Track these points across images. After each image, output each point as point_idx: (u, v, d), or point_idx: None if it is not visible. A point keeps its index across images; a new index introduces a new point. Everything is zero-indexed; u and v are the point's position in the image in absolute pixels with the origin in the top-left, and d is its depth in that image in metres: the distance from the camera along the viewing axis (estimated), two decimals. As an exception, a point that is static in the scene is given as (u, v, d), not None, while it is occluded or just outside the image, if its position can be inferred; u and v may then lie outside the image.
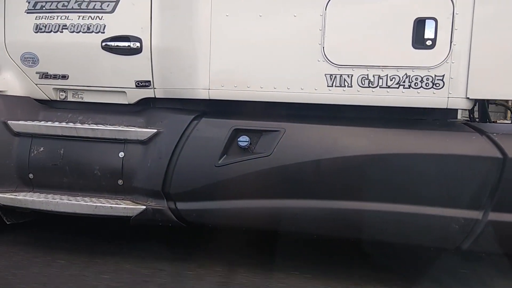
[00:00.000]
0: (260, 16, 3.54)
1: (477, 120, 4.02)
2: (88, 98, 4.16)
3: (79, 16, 3.95)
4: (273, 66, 3.57)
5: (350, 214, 3.44)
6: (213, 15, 3.61)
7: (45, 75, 4.12)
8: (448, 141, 3.35)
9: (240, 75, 3.63)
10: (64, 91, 4.19)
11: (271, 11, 3.52)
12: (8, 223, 4.14)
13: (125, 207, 3.77)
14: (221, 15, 3.60)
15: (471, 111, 3.97)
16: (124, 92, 4.03)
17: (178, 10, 3.74)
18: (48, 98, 4.21)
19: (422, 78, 3.33)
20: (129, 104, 4.07)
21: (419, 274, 3.85)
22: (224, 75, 3.65)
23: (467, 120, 4.04)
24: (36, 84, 4.16)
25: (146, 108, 4.06)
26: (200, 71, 3.69)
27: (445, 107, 3.35)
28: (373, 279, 3.77)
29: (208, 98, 3.70)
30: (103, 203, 3.79)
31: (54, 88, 4.16)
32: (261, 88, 3.59)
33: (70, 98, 4.19)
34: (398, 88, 3.37)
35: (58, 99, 4.21)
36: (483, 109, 3.93)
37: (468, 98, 3.32)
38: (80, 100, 4.18)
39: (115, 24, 3.89)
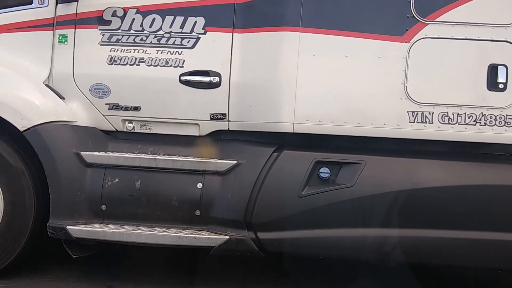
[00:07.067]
0: (346, 56, 3.82)
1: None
2: (156, 129, 4.21)
3: (158, 51, 4.05)
4: (358, 102, 3.84)
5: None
6: (300, 54, 3.84)
7: (115, 106, 4.15)
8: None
9: (325, 111, 3.86)
10: (132, 122, 4.23)
11: (357, 52, 3.81)
12: (74, 256, 4.07)
13: (209, 237, 3.84)
14: (308, 54, 3.84)
15: None
16: (197, 124, 4.14)
17: (262, 48, 3.94)
18: (114, 129, 4.23)
19: (495, 116, 3.72)
20: (197, 136, 4.18)
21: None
22: (309, 110, 3.86)
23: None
24: (104, 115, 4.18)
25: (216, 139, 4.17)
26: (285, 106, 3.88)
27: (516, 143, 3.75)
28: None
29: (292, 131, 3.89)
30: (186, 234, 3.84)
31: (123, 120, 4.20)
32: (345, 123, 3.84)
33: (137, 130, 4.23)
34: (475, 125, 3.73)
35: (124, 130, 4.23)
36: None
37: None
38: (148, 131, 4.24)
39: (195, 59, 4.02)
